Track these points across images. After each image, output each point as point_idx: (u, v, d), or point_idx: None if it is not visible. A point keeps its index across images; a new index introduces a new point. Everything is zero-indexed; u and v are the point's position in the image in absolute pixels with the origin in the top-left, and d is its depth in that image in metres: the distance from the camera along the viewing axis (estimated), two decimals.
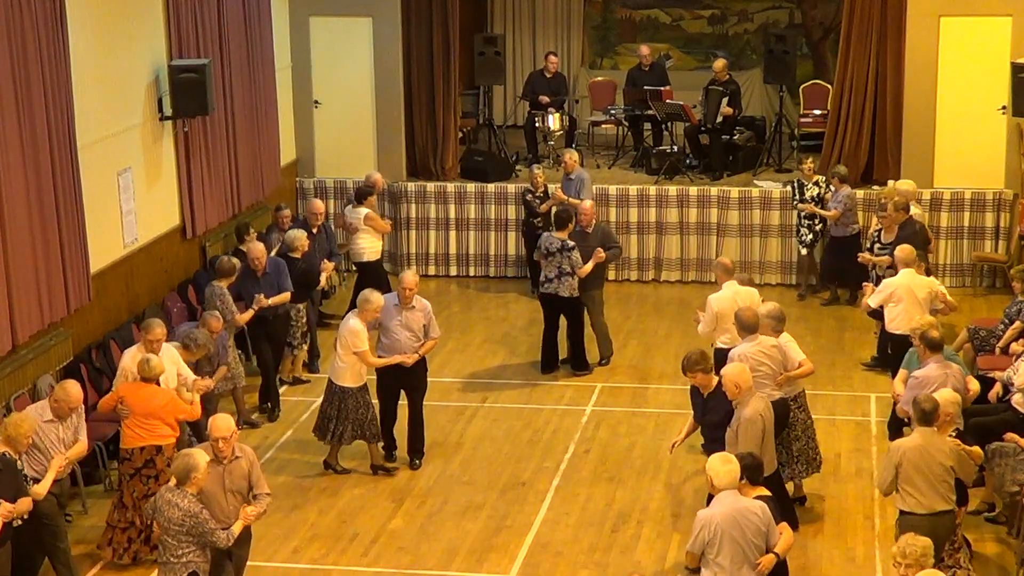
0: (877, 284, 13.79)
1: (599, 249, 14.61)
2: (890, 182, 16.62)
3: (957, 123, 17.56)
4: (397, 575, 10.94)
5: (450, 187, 18.62)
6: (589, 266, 14.50)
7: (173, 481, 9.24)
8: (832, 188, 16.78)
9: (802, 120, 20.25)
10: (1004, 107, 17.07)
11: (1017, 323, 13.31)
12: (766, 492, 9.29)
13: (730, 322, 12.26)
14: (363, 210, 15.93)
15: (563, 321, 14.93)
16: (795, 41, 19.68)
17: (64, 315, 12.65)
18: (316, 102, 18.90)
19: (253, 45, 16.73)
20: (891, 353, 13.29)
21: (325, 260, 15.29)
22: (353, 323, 12.24)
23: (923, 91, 17.55)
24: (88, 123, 13.15)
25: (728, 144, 18.91)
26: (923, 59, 17.47)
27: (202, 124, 15.41)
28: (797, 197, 17.00)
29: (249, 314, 13.50)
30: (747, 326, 11.37)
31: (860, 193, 17.46)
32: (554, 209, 15.60)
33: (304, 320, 14.65)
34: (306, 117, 18.94)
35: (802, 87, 20.82)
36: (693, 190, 18.11)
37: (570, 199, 16.50)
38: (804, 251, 17.17)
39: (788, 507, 10.87)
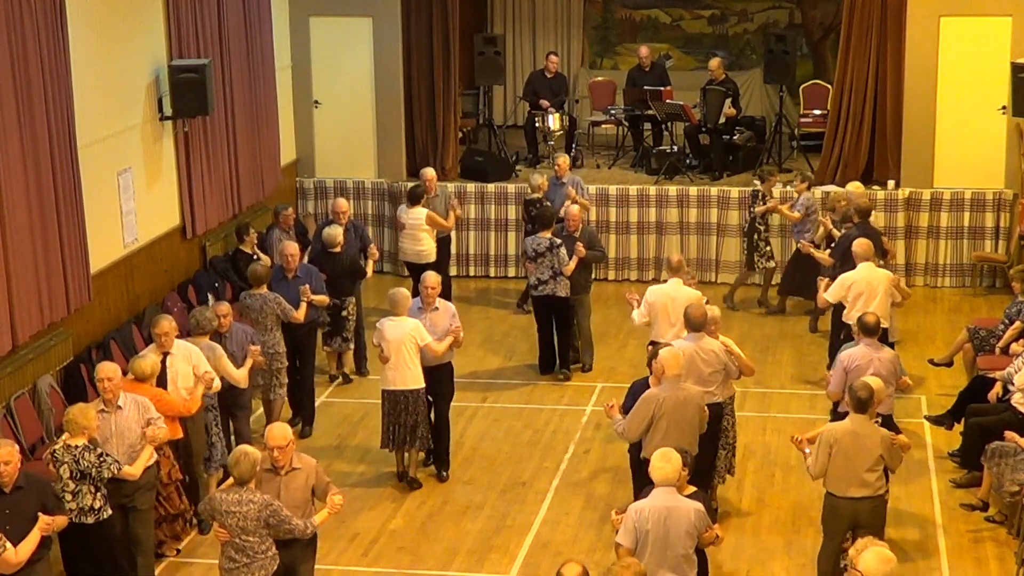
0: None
1: (579, 244, 14.51)
2: (850, 186, 16.45)
3: (957, 123, 17.57)
4: (397, 575, 10.95)
5: (450, 187, 18.59)
6: (573, 263, 14.43)
7: (228, 482, 9.03)
8: (796, 192, 16.68)
9: (802, 120, 20.25)
10: (1004, 107, 17.08)
11: (1017, 323, 13.31)
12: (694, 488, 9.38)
13: (662, 317, 12.45)
14: (422, 211, 15.83)
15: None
16: (795, 41, 19.68)
17: (64, 315, 12.64)
18: (316, 102, 18.90)
19: (253, 45, 16.73)
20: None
21: (371, 247, 15.22)
22: (409, 322, 12.06)
23: (923, 91, 17.56)
24: (88, 123, 13.16)
25: (728, 144, 18.91)
26: (923, 59, 17.48)
27: (202, 124, 15.42)
28: (754, 202, 16.75)
29: (304, 308, 13.17)
30: (693, 324, 11.23)
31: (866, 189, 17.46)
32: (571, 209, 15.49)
33: (355, 315, 14.64)
34: (306, 117, 18.94)
35: (802, 87, 20.83)
36: (693, 190, 18.11)
37: (580, 199, 16.51)
38: (772, 264, 17.02)
39: None
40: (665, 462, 8.80)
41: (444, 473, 12.61)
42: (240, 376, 11.89)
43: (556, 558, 11.05)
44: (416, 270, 15.76)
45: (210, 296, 14.94)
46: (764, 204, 16.63)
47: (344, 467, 12.81)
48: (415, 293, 12.87)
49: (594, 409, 14.10)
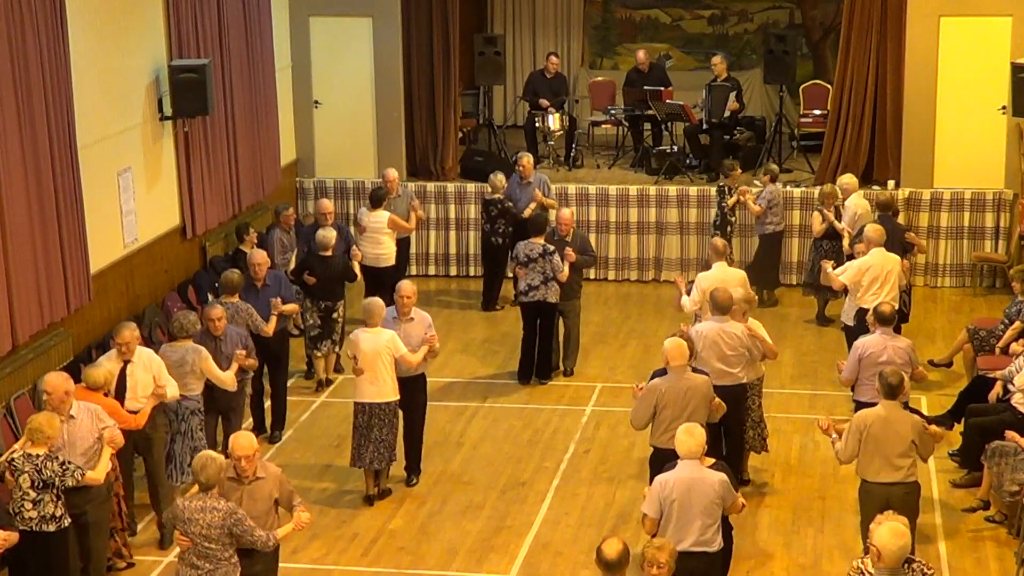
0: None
1: (568, 249, 14.43)
2: (842, 178, 16.48)
3: (957, 123, 17.58)
4: (397, 575, 10.95)
5: (450, 187, 18.62)
6: (566, 268, 14.36)
7: (194, 489, 8.92)
8: (760, 185, 16.95)
9: (802, 120, 20.26)
10: (1004, 107, 17.08)
11: (1017, 323, 13.33)
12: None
13: None
14: (384, 214, 15.82)
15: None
16: (795, 41, 19.69)
17: (64, 315, 12.64)
18: (316, 102, 18.90)
19: (253, 45, 16.73)
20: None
21: (354, 249, 15.24)
22: (385, 333, 11.84)
23: (923, 91, 17.56)
24: (88, 123, 13.15)
25: (728, 144, 18.92)
26: (923, 59, 17.48)
27: (202, 124, 15.42)
28: (722, 198, 16.92)
29: (273, 322, 13.03)
30: (720, 306, 11.50)
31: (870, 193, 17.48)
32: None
33: (343, 319, 14.63)
34: (306, 117, 18.94)
35: (802, 87, 20.84)
36: (693, 190, 18.12)
37: (546, 199, 16.63)
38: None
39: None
40: (688, 436, 9.05)
41: (414, 479, 12.43)
42: (227, 378, 11.77)
43: (556, 558, 11.08)
44: (374, 273, 15.68)
45: (210, 296, 14.93)
46: (732, 197, 16.89)
47: (344, 466, 12.80)
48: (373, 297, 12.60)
49: (594, 409, 14.10)
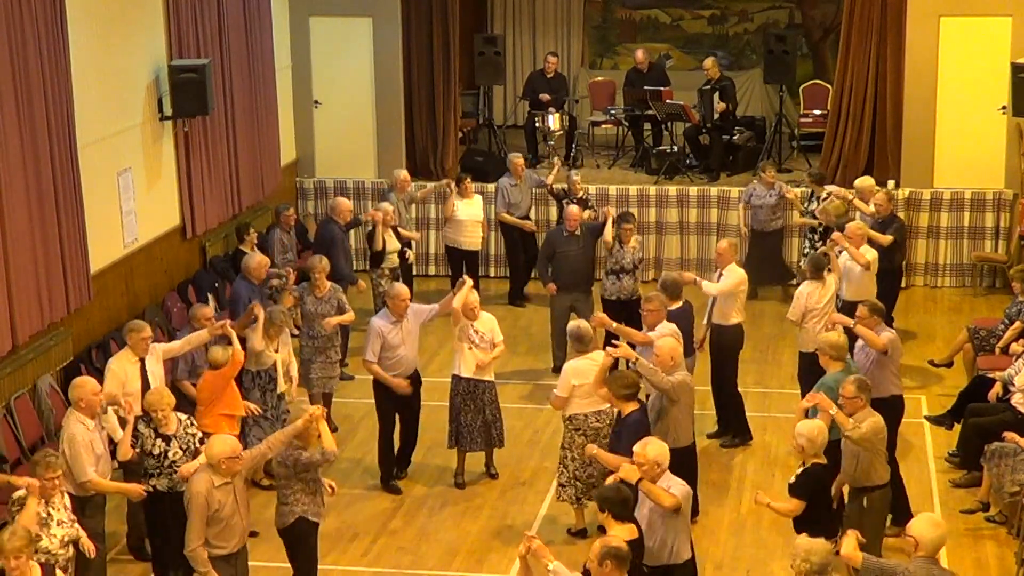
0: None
1: (608, 209, 15.01)
2: (857, 181, 16.45)
3: (957, 123, 17.58)
4: (397, 575, 10.95)
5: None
6: (609, 225, 14.73)
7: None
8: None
9: (802, 120, 20.26)
10: (1004, 107, 17.08)
11: (1017, 323, 13.33)
12: (635, 532, 9.08)
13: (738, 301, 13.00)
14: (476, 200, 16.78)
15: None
16: (795, 41, 19.69)
17: (64, 315, 12.65)
18: (316, 102, 18.90)
19: (253, 45, 16.74)
20: None
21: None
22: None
23: (923, 91, 17.56)
24: (88, 123, 13.16)
25: (728, 144, 18.92)
26: (923, 59, 17.48)
27: (202, 124, 15.42)
28: (806, 205, 16.82)
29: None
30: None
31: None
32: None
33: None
34: (306, 117, 18.94)
35: (802, 87, 20.83)
36: (693, 190, 18.12)
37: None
38: None
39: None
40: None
41: (401, 473, 12.66)
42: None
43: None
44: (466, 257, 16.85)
45: (209, 296, 14.95)
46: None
47: (344, 466, 12.81)
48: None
49: None
